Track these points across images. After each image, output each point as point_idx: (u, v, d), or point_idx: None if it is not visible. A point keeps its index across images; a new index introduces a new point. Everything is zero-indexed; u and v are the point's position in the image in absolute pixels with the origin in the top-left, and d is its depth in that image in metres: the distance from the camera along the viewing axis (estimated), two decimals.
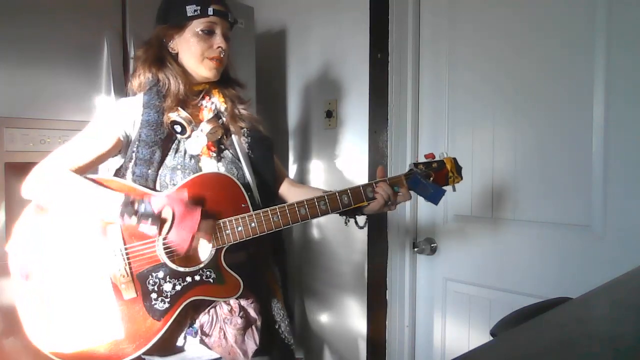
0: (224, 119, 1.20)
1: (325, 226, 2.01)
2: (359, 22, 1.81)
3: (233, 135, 1.21)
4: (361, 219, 1.19)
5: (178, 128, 1.10)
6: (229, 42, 1.16)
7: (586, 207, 1.37)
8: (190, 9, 1.10)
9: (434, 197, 1.14)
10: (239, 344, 1.05)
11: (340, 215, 1.17)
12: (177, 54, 1.15)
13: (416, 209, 1.80)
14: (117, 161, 1.13)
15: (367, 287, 1.84)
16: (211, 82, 1.18)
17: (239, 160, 1.18)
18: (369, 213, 1.17)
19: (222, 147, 1.18)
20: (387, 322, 1.79)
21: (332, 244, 1.98)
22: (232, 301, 1.06)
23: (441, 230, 1.74)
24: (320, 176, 2.02)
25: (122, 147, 1.10)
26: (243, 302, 1.08)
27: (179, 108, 1.11)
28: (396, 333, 1.81)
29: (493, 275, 1.57)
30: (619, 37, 1.30)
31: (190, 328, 1.06)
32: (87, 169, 1.05)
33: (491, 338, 0.76)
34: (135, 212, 0.95)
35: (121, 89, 1.40)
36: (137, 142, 1.07)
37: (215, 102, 1.20)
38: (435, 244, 1.74)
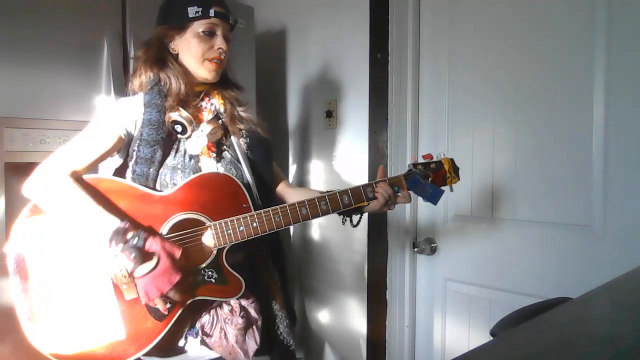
0: (223, 120, 1.20)
1: (325, 226, 2.01)
2: (359, 22, 1.80)
3: (232, 137, 1.21)
4: (355, 218, 1.19)
5: (179, 128, 1.10)
6: (229, 43, 1.16)
7: (586, 207, 1.37)
8: (191, 10, 1.10)
9: (433, 197, 1.15)
10: (239, 344, 1.05)
11: (338, 214, 1.17)
12: (177, 54, 1.15)
13: (416, 209, 1.80)
14: (116, 160, 1.13)
15: (367, 287, 1.84)
16: (210, 83, 1.19)
17: (239, 161, 1.18)
18: (369, 212, 1.17)
19: (222, 147, 1.18)
20: (387, 322, 1.79)
21: (332, 244, 1.98)
22: (233, 301, 1.06)
23: (441, 230, 1.74)
24: (320, 176, 2.02)
25: (122, 146, 1.10)
26: (244, 302, 1.08)
27: (180, 108, 1.11)
28: (396, 333, 1.81)
29: (493, 275, 1.57)
30: (619, 37, 1.30)
31: (192, 329, 1.06)
32: (88, 169, 1.05)
33: (491, 338, 0.77)
34: (125, 242, 0.93)
35: (121, 89, 1.40)
36: (138, 141, 1.07)
37: (215, 103, 1.20)
38: (435, 244, 1.74)
